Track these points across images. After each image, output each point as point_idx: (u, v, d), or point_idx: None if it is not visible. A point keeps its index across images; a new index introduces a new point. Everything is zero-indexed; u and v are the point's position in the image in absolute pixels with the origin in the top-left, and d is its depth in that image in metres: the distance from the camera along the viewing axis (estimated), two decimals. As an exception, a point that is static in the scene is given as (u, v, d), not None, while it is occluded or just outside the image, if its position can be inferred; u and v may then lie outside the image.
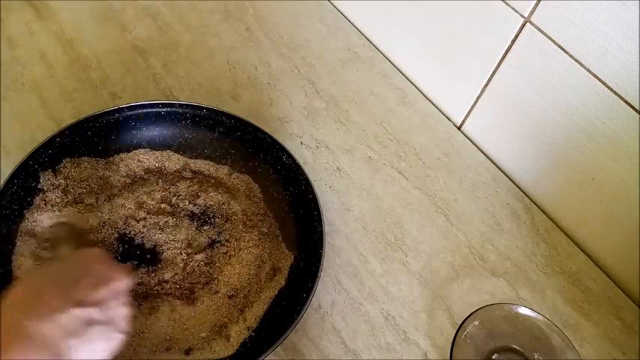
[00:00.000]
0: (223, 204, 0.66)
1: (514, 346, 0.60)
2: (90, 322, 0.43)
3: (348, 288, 0.65)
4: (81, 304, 0.43)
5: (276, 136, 0.69)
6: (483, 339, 0.60)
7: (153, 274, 0.61)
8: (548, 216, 0.74)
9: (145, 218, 0.64)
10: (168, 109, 0.70)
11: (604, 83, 0.60)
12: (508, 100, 0.72)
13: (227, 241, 0.64)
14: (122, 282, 0.48)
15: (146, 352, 0.56)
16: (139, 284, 0.60)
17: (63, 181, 0.64)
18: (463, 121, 0.80)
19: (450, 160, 0.77)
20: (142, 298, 0.59)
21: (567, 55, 0.62)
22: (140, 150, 0.69)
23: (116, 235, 0.63)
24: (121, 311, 0.47)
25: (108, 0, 0.87)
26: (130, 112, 0.69)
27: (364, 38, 0.89)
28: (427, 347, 0.62)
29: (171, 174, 0.69)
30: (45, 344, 0.40)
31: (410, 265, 0.68)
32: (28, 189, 0.63)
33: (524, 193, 0.75)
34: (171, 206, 0.65)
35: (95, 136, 0.68)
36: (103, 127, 0.68)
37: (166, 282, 0.61)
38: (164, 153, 0.69)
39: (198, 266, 0.62)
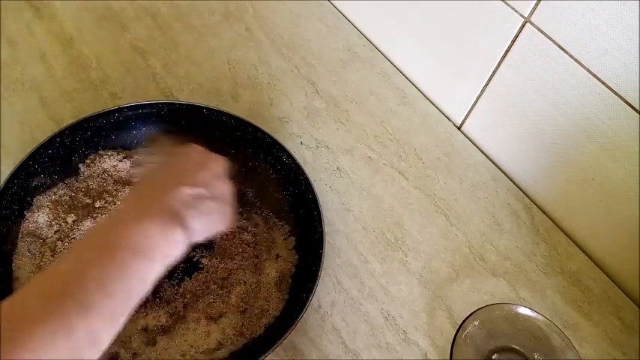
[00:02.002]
0: None
1: (514, 346, 0.60)
2: (200, 197, 0.49)
3: (348, 288, 0.65)
4: (191, 184, 0.49)
5: (276, 136, 0.69)
6: (483, 339, 0.60)
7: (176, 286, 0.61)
8: (548, 216, 0.74)
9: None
10: (168, 108, 0.70)
11: (604, 83, 0.60)
12: (508, 100, 0.72)
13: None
14: (219, 163, 0.54)
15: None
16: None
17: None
18: (463, 121, 0.80)
19: (450, 160, 0.77)
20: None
21: (567, 55, 0.62)
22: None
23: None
24: (224, 187, 0.53)
25: (108, 0, 0.87)
26: (130, 112, 0.69)
27: (364, 38, 0.89)
28: (427, 347, 0.62)
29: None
30: (171, 211, 0.46)
31: (410, 265, 0.68)
32: (28, 189, 0.63)
33: (524, 193, 0.75)
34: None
35: (95, 136, 0.68)
36: (103, 127, 0.68)
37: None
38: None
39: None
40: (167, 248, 0.44)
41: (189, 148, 0.56)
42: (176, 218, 0.46)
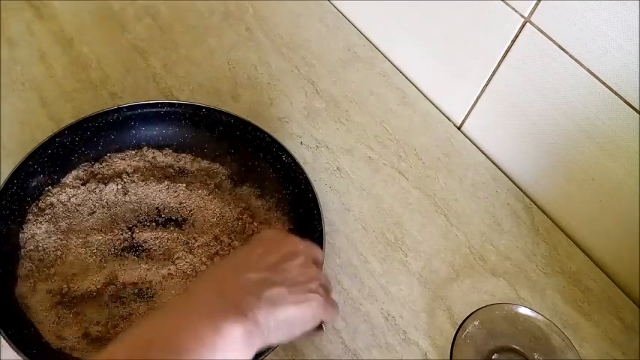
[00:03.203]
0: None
1: (514, 346, 0.60)
2: (266, 283, 0.41)
3: (348, 288, 0.65)
4: (251, 269, 0.42)
5: (276, 135, 0.69)
6: (483, 339, 0.60)
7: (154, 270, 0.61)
8: (548, 216, 0.74)
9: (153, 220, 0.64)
10: (168, 108, 0.70)
11: (604, 83, 0.60)
12: (508, 100, 0.72)
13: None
14: (294, 245, 0.47)
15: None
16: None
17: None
18: (463, 121, 0.80)
19: (450, 160, 0.77)
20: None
21: (567, 55, 0.62)
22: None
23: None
24: (297, 271, 0.44)
25: (108, 0, 0.87)
26: (130, 112, 0.69)
27: (364, 38, 0.89)
28: (427, 347, 0.62)
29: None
30: (229, 300, 0.38)
31: (410, 265, 0.68)
32: (28, 189, 0.63)
33: (524, 193, 0.75)
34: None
35: (95, 136, 0.68)
36: (103, 127, 0.68)
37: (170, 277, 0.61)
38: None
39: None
40: (223, 351, 0.36)
41: (267, 232, 0.50)
42: (236, 308, 0.38)
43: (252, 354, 0.37)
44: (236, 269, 0.42)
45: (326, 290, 0.47)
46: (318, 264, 0.49)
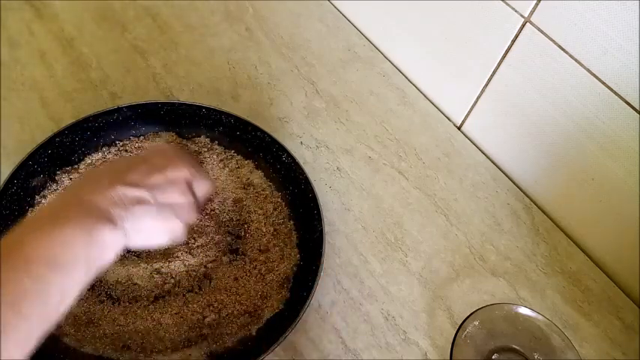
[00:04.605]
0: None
1: (514, 346, 0.60)
2: (139, 201, 0.45)
3: (348, 288, 0.65)
4: (131, 184, 0.45)
5: (276, 135, 0.69)
6: (483, 339, 0.60)
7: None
8: (548, 216, 0.74)
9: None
10: (168, 108, 0.70)
11: (604, 83, 0.60)
12: (508, 100, 0.72)
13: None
14: (179, 171, 0.49)
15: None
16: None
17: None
18: (463, 121, 0.80)
19: (450, 160, 0.77)
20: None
21: (567, 55, 0.62)
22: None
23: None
24: (176, 198, 0.48)
25: (108, 0, 0.87)
26: (130, 112, 0.69)
27: (364, 38, 0.89)
28: (427, 347, 0.62)
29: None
30: (97, 210, 0.42)
31: (410, 265, 0.68)
32: (28, 189, 0.63)
33: (524, 193, 0.75)
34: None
35: (95, 136, 0.68)
36: (103, 127, 0.68)
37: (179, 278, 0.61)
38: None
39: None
40: (93, 253, 0.41)
41: (158, 147, 0.52)
42: (103, 217, 0.42)
43: (115, 254, 0.43)
44: (115, 178, 0.45)
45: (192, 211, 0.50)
46: (199, 192, 0.51)
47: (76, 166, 0.66)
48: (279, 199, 0.68)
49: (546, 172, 0.72)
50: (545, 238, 0.72)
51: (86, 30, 0.83)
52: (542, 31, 0.64)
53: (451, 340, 0.58)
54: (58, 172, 0.65)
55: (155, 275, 0.60)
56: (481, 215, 0.73)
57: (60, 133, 0.65)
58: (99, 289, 0.59)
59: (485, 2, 0.68)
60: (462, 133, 0.81)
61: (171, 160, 0.49)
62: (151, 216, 0.45)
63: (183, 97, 0.78)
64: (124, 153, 0.68)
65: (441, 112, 0.82)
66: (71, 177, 0.65)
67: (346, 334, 0.62)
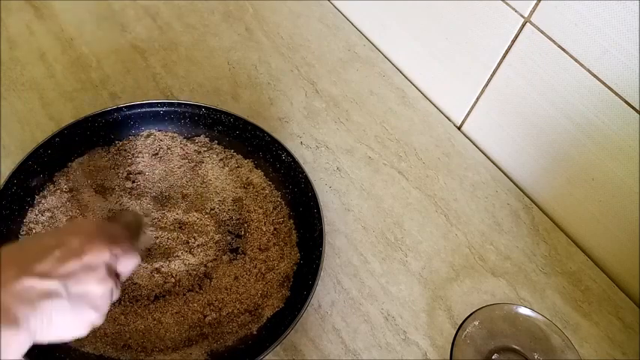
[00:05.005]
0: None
1: (514, 346, 0.60)
2: (48, 295, 0.40)
3: (348, 288, 0.65)
4: (41, 275, 0.40)
5: (276, 135, 0.69)
6: (483, 339, 0.60)
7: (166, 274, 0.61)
8: (548, 216, 0.74)
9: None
10: (168, 108, 0.70)
11: (604, 83, 0.60)
12: (508, 100, 0.72)
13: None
14: (98, 255, 0.43)
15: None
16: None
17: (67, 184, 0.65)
18: (463, 121, 0.80)
19: (450, 160, 0.77)
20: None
21: (567, 55, 0.62)
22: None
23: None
24: (93, 287, 0.42)
25: (108, 0, 0.87)
26: (130, 112, 0.69)
27: (364, 38, 0.89)
28: (427, 347, 0.62)
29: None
30: (4, 306, 0.37)
31: (410, 265, 0.67)
32: (28, 189, 0.63)
33: (524, 193, 0.75)
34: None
35: (94, 136, 0.68)
36: (103, 127, 0.68)
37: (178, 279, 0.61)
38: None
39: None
40: None
41: (80, 225, 0.46)
42: (5, 318, 0.37)
43: (20, 355, 0.38)
44: (23, 268, 0.40)
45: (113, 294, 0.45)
46: (124, 270, 0.47)
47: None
48: (278, 198, 0.68)
49: (546, 172, 0.72)
50: (545, 238, 0.72)
51: (86, 30, 0.83)
52: (542, 31, 0.64)
53: (451, 340, 0.58)
54: (56, 174, 0.65)
55: (155, 274, 0.60)
56: (481, 215, 0.73)
57: (60, 133, 0.65)
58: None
59: (486, 2, 0.68)
60: (462, 133, 0.81)
61: (90, 242, 0.43)
62: (63, 312, 0.40)
63: (183, 97, 0.78)
64: (123, 152, 0.68)
65: (441, 112, 0.82)
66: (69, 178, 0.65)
67: (346, 334, 0.62)
